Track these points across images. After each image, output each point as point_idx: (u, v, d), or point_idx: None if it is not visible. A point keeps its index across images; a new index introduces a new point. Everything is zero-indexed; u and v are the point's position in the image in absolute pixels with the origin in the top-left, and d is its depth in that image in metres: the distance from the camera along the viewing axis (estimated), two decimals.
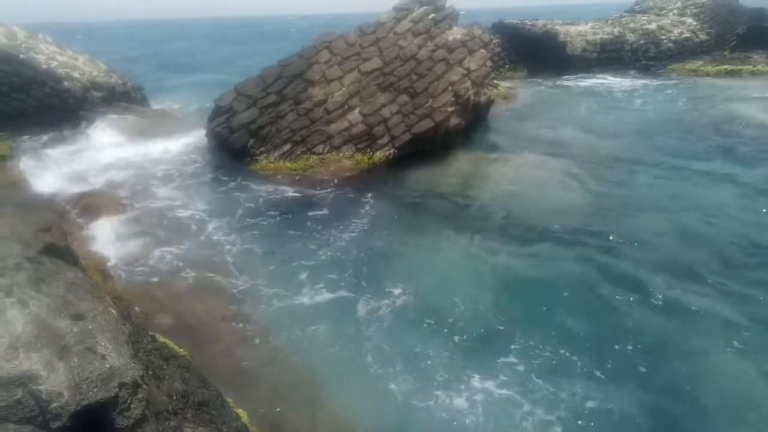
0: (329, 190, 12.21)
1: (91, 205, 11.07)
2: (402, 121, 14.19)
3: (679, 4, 35.27)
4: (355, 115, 14.26)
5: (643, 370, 6.11)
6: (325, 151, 13.88)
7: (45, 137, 16.21)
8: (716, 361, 6.21)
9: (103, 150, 15.00)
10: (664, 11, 35.13)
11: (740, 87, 23.94)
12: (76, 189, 12.00)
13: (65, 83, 17.32)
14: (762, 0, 32.90)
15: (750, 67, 27.66)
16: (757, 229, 9.55)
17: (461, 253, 9.15)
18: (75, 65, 18.24)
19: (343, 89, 14.52)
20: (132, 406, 3.59)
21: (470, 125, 15.42)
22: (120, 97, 18.65)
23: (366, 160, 13.66)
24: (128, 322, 4.64)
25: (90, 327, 3.89)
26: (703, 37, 32.85)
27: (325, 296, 7.85)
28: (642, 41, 31.12)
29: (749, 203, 10.75)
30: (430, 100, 14.38)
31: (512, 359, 6.33)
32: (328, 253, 9.16)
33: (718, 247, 8.96)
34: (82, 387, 3.39)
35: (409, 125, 14.11)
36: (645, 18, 33.88)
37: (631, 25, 32.25)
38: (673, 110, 19.77)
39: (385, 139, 14.02)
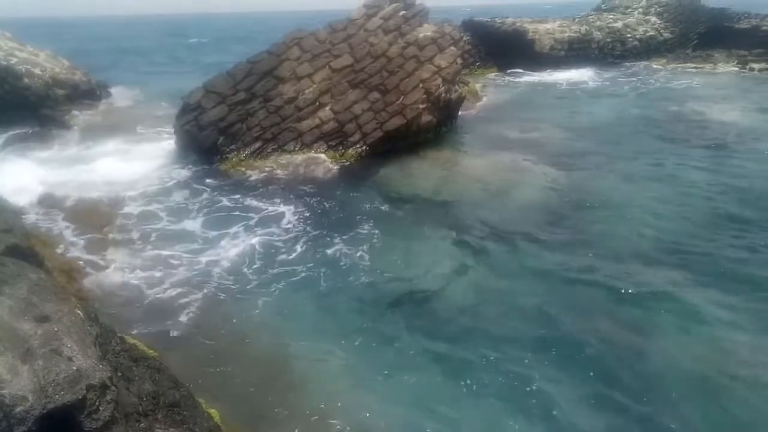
0: (300, 187, 12.14)
1: (53, 204, 10.82)
2: (373, 118, 14.19)
3: (643, 2, 36.10)
4: (326, 113, 14.21)
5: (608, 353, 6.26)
6: (297, 148, 13.79)
7: (3, 137, 15.69)
8: (675, 340, 6.41)
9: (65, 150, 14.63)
10: (630, 10, 35.91)
11: (701, 84, 24.67)
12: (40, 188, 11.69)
13: (26, 80, 16.82)
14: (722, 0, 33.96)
15: (711, 64, 28.54)
16: (707, 221, 9.95)
17: (434, 249, 9.21)
18: (36, 62, 17.71)
19: (314, 86, 14.45)
20: (100, 408, 3.52)
21: (441, 122, 15.51)
22: (84, 95, 18.19)
23: (338, 158, 13.63)
24: (95, 324, 4.54)
25: (55, 329, 3.79)
26: (666, 35, 33.72)
27: (297, 294, 7.82)
28: (608, 39, 31.78)
29: (703, 196, 11.18)
30: (402, 97, 14.41)
31: (490, 351, 6.42)
32: (299, 253, 9.11)
33: (675, 237, 9.30)
34: (47, 390, 3.31)
35: (380, 122, 14.12)
36: (611, 16, 34.61)
37: (598, 23, 32.88)
38: (637, 108, 20.23)
39: (357, 137, 14.01)
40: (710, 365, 6.11)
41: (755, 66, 27.39)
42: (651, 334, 6.66)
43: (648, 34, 33.14)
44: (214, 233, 9.85)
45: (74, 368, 3.51)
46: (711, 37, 33.36)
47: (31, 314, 3.85)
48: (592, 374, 6.01)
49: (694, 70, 28.14)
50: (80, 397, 3.40)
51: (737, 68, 27.52)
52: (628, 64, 30.77)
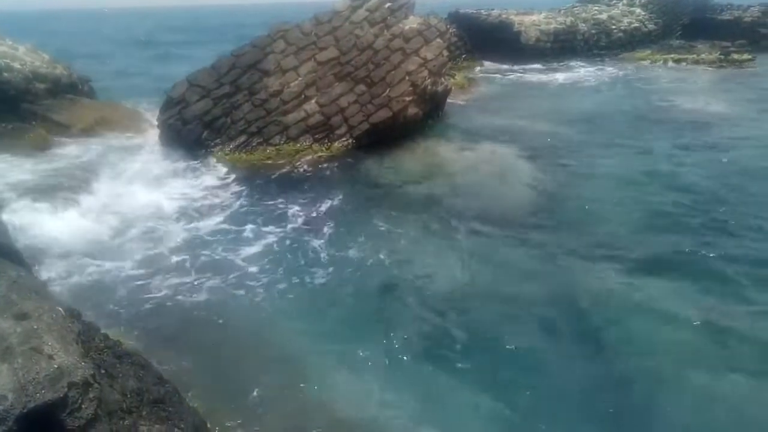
0: (287, 181, 12.07)
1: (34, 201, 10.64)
2: (360, 110, 14.13)
3: None
4: (311, 105, 14.12)
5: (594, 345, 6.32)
6: (282, 141, 13.71)
7: None
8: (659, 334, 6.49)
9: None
10: (614, 1, 36.08)
11: (684, 75, 24.90)
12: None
13: (5, 74, 16.43)
14: None
15: (694, 56, 28.78)
16: (691, 211, 10.06)
17: (424, 241, 9.21)
18: (15, 55, 17.34)
19: (300, 79, 14.35)
20: (83, 406, 3.47)
21: (428, 115, 15.49)
22: (66, 89, 17.82)
23: (324, 151, 13.57)
24: (77, 321, 4.48)
25: (35, 326, 3.73)
26: (651, 26, 33.93)
27: (287, 288, 7.79)
28: (593, 31, 31.90)
29: (684, 187, 11.31)
30: (388, 90, 14.35)
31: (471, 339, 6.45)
32: (287, 247, 9.07)
33: (657, 225, 9.43)
34: (28, 389, 3.26)
35: (366, 115, 14.06)
36: (596, 8, 34.73)
37: (583, 15, 33.01)
38: (622, 99, 20.38)
39: (343, 129, 13.95)
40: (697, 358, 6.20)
41: (737, 57, 27.67)
42: (641, 324, 6.73)
43: (633, 25, 33.31)
44: (201, 228, 9.77)
45: (55, 366, 3.46)
46: (694, 28, 33.68)
47: (10, 312, 3.78)
48: (585, 363, 6.07)
49: (678, 61, 28.36)
50: (62, 395, 3.35)
51: (720, 59, 27.74)
52: (612, 55, 30.92)
